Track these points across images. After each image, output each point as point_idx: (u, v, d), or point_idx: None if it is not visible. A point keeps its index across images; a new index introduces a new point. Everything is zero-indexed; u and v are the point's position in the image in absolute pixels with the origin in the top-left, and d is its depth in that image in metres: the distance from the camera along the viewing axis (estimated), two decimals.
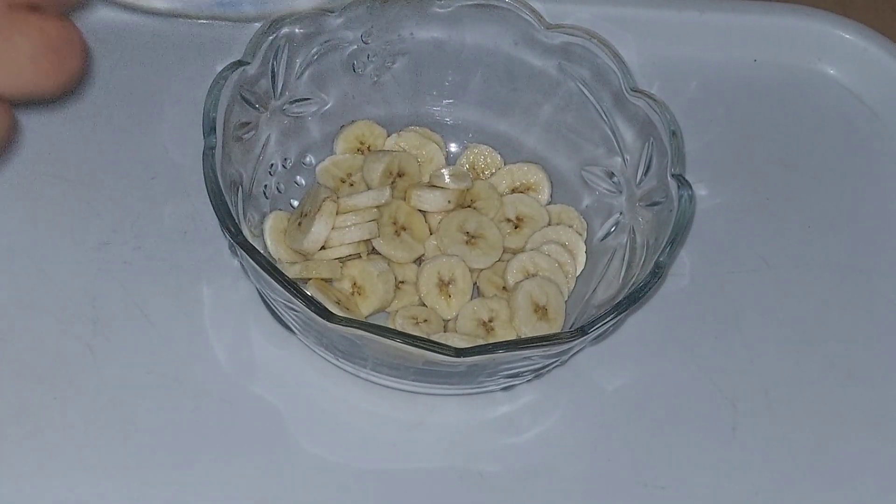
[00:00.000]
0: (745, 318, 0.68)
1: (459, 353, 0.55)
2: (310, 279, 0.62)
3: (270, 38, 0.64)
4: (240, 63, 0.62)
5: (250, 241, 0.57)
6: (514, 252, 0.67)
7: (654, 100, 0.64)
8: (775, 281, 0.69)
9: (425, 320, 0.63)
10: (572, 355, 0.63)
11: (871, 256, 0.71)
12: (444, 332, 0.63)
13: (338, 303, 0.61)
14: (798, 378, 0.66)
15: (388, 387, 0.62)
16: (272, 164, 0.66)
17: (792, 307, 0.69)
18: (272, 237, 0.64)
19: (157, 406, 0.61)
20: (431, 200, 0.66)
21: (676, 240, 0.60)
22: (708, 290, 0.68)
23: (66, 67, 0.48)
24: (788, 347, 0.67)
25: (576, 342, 0.57)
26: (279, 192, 0.67)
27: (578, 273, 0.66)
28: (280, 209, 0.66)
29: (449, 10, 0.67)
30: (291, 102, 0.67)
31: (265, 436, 0.61)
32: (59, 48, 0.47)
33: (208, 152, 0.59)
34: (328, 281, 0.63)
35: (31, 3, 0.46)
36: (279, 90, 0.66)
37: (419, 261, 0.66)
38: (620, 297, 0.59)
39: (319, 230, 0.63)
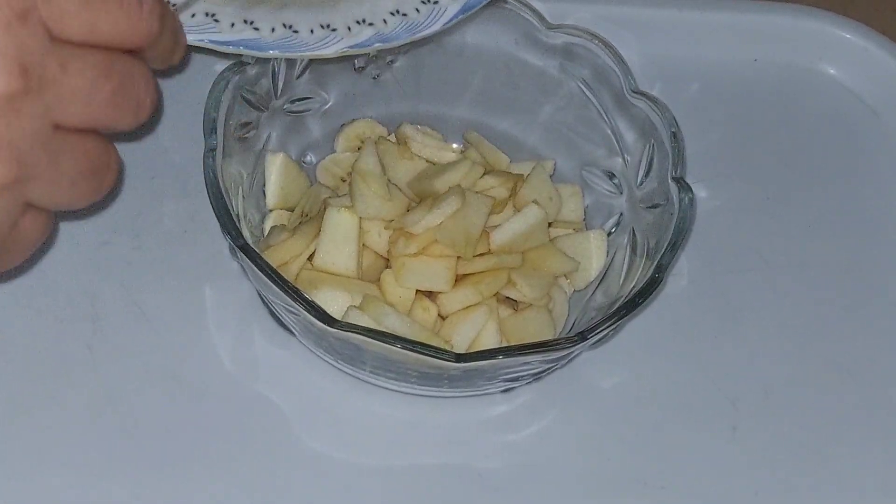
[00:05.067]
0: (745, 318, 0.68)
1: (458, 358, 0.55)
2: None
3: None
4: (241, 63, 0.62)
5: (251, 245, 0.57)
6: None
7: (655, 101, 0.64)
8: (775, 281, 0.69)
9: None
10: (571, 359, 0.63)
11: (871, 256, 0.71)
12: None
13: None
14: (798, 378, 0.66)
15: (388, 388, 0.62)
16: None
17: (792, 307, 0.68)
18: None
19: (157, 405, 0.61)
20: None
21: (677, 244, 0.60)
22: (707, 290, 0.68)
23: (101, 188, 0.50)
24: (788, 347, 0.67)
25: (575, 348, 0.57)
26: None
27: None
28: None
29: None
30: (292, 101, 0.67)
31: (267, 434, 0.61)
32: (98, 170, 0.49)
33: (209, 154, 0.59)
34: None
35: (78, 126, 0.47)
36: (280, 90, 0.66)
37: None
38: (621, 302, 0.59)
39: None
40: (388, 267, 0.63)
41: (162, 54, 0.52)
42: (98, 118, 0.47)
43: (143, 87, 0.49)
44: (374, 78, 0.69)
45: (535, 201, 0.65)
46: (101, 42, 0.47)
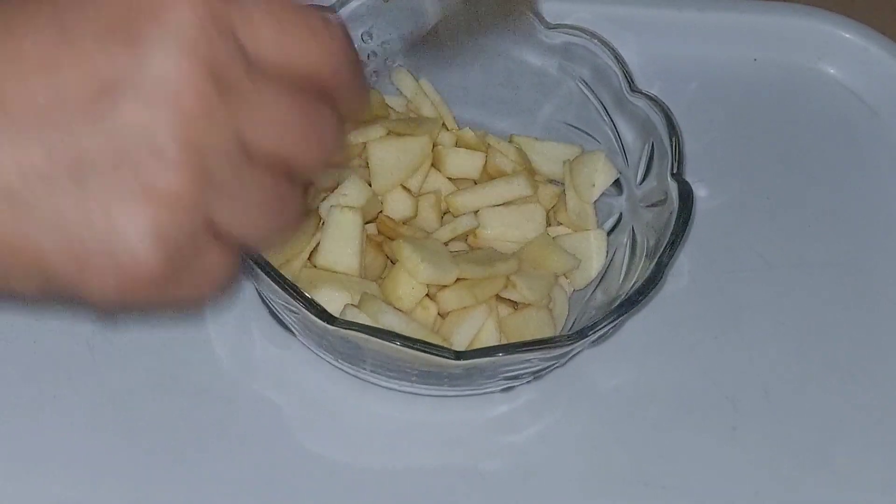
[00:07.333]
0: (745, 318, 0.68)
1: (458, 355, 0.55)
2: None
3: None
4: None
5: None
6: None
7: (655, 100, 0.64)
8: (775, 281, 0.69)
9: None
10: (571, 357, 0.63)
11: (871, 256, 0.71)
12: None
13: None
14: (798, 378, 0.66)
15: (388, 388, 0.62)
16: None
17: (792, 307, 0.68)
18: None
19: (157, 405, 0.61)
20: None
21: (676, 242, 0.60)
22: (708, 289, 0.68)
23: (288, 222, 0.46)
24: (788, 347, 0.67)
25: (575, 345, 0.57)
26: None
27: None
28: None
29: None
30: None
31: (267, 434, 0.61)
32: (284, 206, 0.45)
33: None
34: None
35: (268, 153, 0.43)
36: None
37: None
38: (620, 300, 0.59)
39: None
40: (391, 263, 0.63)
41: (350, 99, 0.47)
42: (290, 150, 0.43)
43: (331, 131, 0.45)
44: (374, 81, 0.69)
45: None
46: (293, 67, 0.43)
